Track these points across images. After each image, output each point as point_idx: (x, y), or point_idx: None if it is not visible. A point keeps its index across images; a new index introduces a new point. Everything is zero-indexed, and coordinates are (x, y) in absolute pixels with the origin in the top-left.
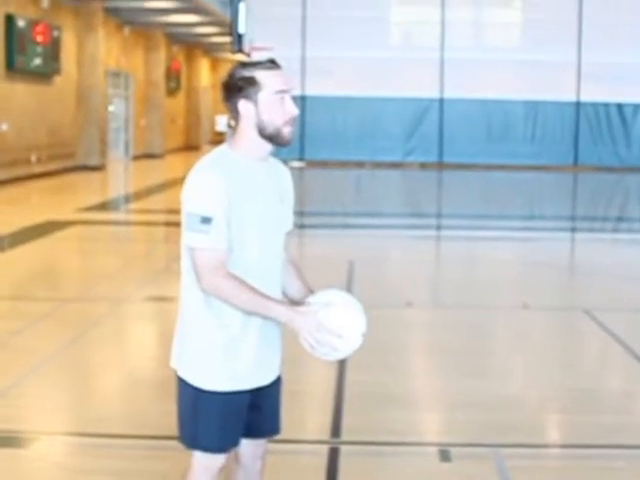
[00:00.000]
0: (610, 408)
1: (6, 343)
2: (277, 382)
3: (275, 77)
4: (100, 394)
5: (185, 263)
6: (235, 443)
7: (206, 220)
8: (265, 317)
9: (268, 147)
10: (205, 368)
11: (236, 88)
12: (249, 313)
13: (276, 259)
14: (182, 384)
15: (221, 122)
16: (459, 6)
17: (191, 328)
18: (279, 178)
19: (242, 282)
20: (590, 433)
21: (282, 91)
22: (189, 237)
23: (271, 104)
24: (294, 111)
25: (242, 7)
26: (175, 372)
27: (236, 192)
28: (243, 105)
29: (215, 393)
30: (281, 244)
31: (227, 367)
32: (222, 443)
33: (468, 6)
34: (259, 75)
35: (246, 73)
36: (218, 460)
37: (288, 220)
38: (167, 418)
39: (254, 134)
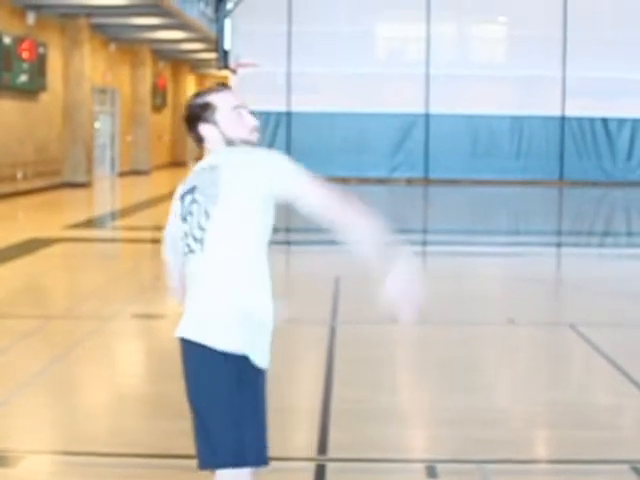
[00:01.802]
0: (596, 423)
1: None
2: None
3: (227, 96)
4: (87, 412)
5: (230, 226)
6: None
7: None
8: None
9: None
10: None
11: (194, 116)
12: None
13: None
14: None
15: None
16: (444, 22)
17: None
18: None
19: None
20: (576, 448)
21: (237, 106)
22: (307, 173)
23: (231, 120)
24: (253, 122)
25: (228, 23)
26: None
27: None
28: (204, 128)
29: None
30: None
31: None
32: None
33: (453, 22)
34: (212, 99)
35: (200, 101)
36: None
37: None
38: (155, 436)
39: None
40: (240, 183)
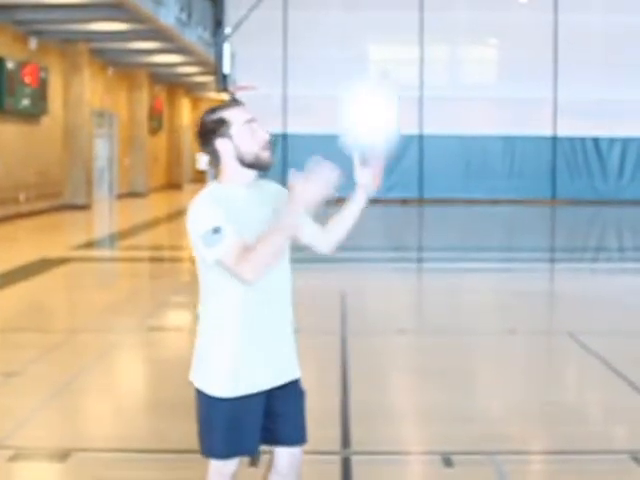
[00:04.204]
0: (595, 419)
1: (24, 371)
2: (293, 390)
3: (239, 111)
4: (126, 414)
5: (201, 280)
6: (244, 450)
7: (216, 230)
8: (286, 238)
9: (251, 174)
10: (214, 376)
11: (210, 131)
12: (277, 254)
13: (281, 274)
14: (198, 395)
15: (202, 160)
16: (437, 45)
17: (204, 341)
18: (271, 196)
19: (252, 248)
20: (579, 441)
21: (249, 120)
22: (212, 252)
23: (244, 135)
24: (265, 136)
25: (227, 48)
26: (194, 386)
27: (231, 219)
28: (220, 143)
29: (222, 400)
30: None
31: (231, 373)
32: (227, 449)
33: (446, 45)
34: (226, 114)
35: (215, 116)
36: (228, 466)
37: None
38: (187, 435)
39: (236, 165)
40: None
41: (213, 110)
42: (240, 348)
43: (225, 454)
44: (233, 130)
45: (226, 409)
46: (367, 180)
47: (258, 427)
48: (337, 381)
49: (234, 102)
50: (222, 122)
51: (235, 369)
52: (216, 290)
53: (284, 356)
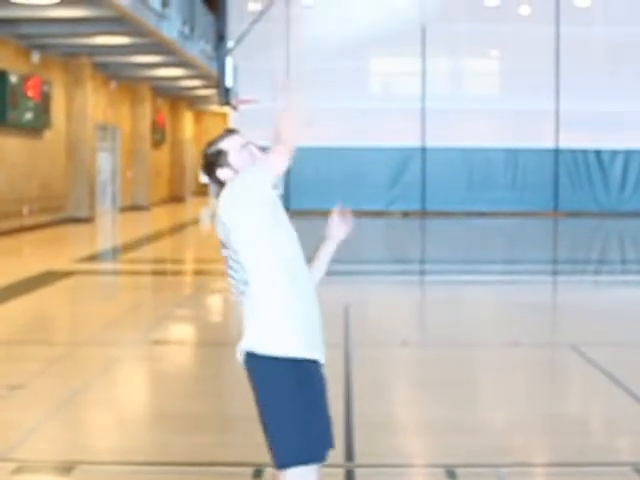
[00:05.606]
0: (598, 431)
1: (28, 384)
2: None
3: (234, 139)
4: (129, 428)
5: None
6: (320, 445)
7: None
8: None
9: None
10: (275, 333)
11: (211, 164)
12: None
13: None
14: (259, 380)
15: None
16: (439, 57)
17: (257, 311)
18: None
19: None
20: (582, 453)
21: (245, 144)
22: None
23: (242, 159)
24: (262, 156)
25: (229, 61)
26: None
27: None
28: (221, 173)
29: (286, 360)
30: None
31: (291, 329)
32: (305, 444)
33: (448, 57)
34: (223, 144)
35: (212, 149)
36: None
37: None
38: (192, 448)
39: None
40: None
41: (212, 142)
42: (294, 310)
43: (304, 453)
44: (231, 158)
45: (293, 373)
46: (340, 233)
47: (328, 415)
48: (340, 393)
49: (230, 131)
50: (220, 153)
51: (294, 326)
52: (258, 265)
53: (321, 337)
